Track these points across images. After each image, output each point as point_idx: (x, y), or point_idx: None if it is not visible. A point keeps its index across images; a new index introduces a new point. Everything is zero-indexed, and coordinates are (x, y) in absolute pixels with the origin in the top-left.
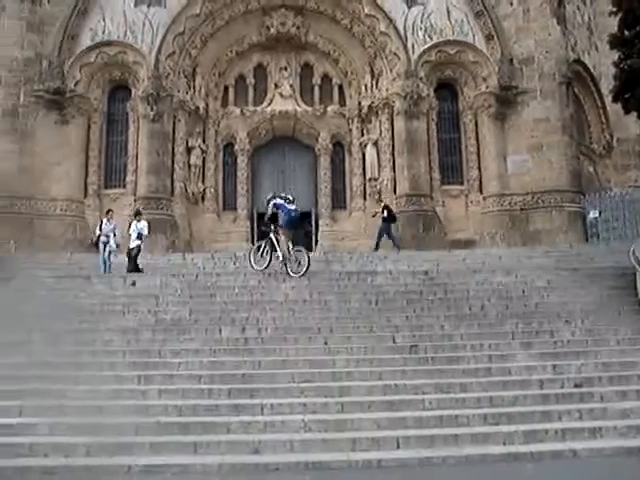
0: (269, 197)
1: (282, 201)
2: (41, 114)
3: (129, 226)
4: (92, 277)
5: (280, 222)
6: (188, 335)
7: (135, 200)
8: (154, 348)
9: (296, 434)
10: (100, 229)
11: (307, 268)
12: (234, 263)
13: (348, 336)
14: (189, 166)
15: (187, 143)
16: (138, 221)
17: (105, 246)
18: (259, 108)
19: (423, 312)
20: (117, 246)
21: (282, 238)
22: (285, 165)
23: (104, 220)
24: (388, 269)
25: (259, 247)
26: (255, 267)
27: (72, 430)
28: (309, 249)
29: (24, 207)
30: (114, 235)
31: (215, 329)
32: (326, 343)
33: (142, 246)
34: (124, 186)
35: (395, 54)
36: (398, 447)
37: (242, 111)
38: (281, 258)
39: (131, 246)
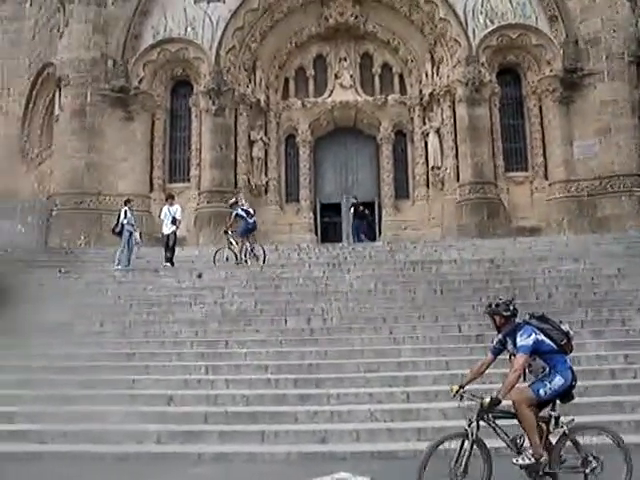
0: (232, 202)
1: (243, 213)
2: (107, 112)
3: (160, 211)
4: (159, 270)
5: (238, 229)
6: (254, 326)
7: (199, 194)
8: (221, 339)
9: (362, 424)
10: (125, 217)
11: (265, 257)
12: (298, 254)
13: (413, 325)
14: (252, 159)
15: (249, 136)
16: (171, 205)
17: (130, 236)
18: (320, 99)
19: (489, 301)
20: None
21: (235, 241)
22: (347, 155)
23: (125, 209)
24: (453, 258)
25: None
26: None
27: (143, 418)
28: (372, 239)
29: (93, 203)
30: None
31: (281, 320)
32: (391, 333)
33: (177, 232)
34: (188, 180)
35: (455, 40)
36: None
37: (303, 103)
38: (238, 255)
39: (165, 232)
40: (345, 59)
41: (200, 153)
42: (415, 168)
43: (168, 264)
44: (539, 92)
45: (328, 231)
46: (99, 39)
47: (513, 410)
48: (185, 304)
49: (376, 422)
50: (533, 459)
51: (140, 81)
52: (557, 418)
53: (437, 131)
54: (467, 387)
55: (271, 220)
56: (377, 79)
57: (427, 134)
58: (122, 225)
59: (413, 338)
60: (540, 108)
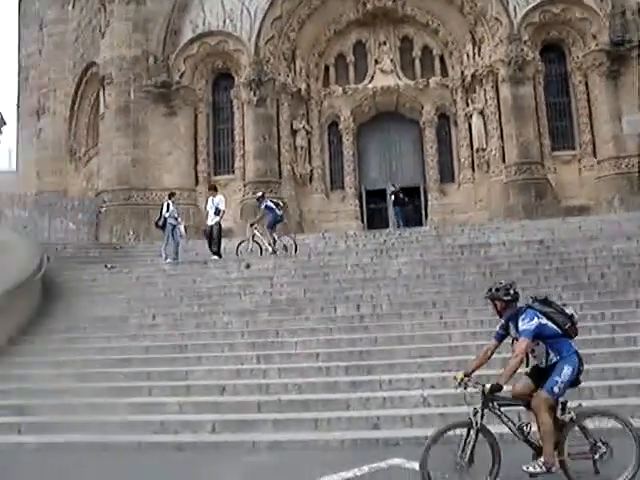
0: (259, 195)
1: (272, 205)
2: (150, 108)
3: (206, 202)
4: (208, 262)
5: (267, 221)
6: (304, 314)
7: (244, 185)
8: (271, 328)
9: (415, 409)
10: (167, 210)
11: (295, 248)
12: (345, 242)
13: (464, 309)
14: (295, 148)
15: (292, 125)
16: (214, 196)
17: (173, 229)
18: (361, 85)
19: (540, 282)
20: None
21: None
22: (390, 140)
23: (168, 202)
24: (501, 240)
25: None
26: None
27: (199, 408)
28: (419, 224)
29: (140, 198)
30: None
31: (330, 307)
32: (442, 317)
33: (221, 222)
34: (233, 172)
35: (496, 19)
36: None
37: (344, 90)
38: (263, 246)
39: (209, 223)
40: (385, 44)
41: (244, 144)
42: (459, 151)
43: (215, 257)
44: (585, 67)
45: (374, 218)
46: (139, 36)
47: (516, 397)
48: (235, 295)
49: (429, 407)
50: (544, 468)
51: (181, 76)
52: (564, 404)
53: (481, 112)
54: (473, 375)
55: (317, 208)
56: (418, 62)
57: (470, 116)
58: (165, 218)
59: (464, 322)
60: (586, 84)
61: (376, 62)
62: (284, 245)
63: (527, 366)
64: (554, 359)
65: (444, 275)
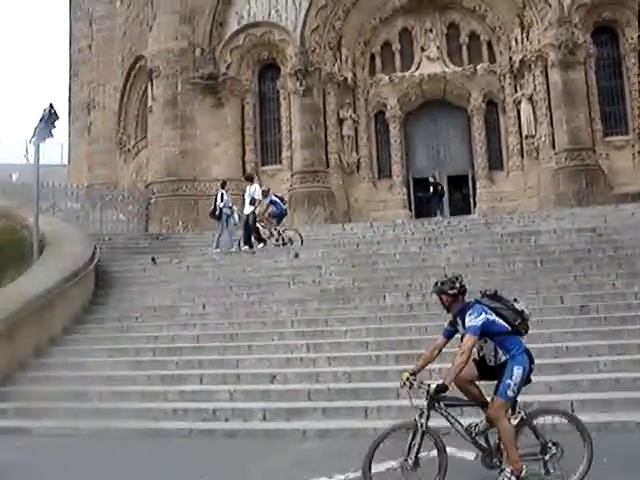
0: (264, 189)
1: (277, 199)
2: (198, 100)
3: (244, 192)
4: (257, 252)
5: (272, 213)
6: (353, 303)
7: (292, 175)
8: (321, 317)
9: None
10: (222, 200)
11: (301, 240)
12: (393, 230)
13: (514, 298)
14: (342, 137)
15: (338, 114)
16: (251, 185)
17: (228, 219)
18: (407, 73)
19: (592, 271)
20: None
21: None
22: (437, 128)
23: (222, 192)
24: (552, 228)
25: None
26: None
27: (249, 396)
28: (467, 212)
29: (189, 189)
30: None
31: (379, 296)
32: None
33: (256, 212)
34: (280, 162)
35: (546, 1)
36: (572, 411)
37: (390, 78)
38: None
39: (245, 212)
40: (431, 30)
41: (290, 134)
42: (508, 138)
43: (250, 247)
44: (639, 49)
45: (422, 206)
46: (186, 29)
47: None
48: (284, 284)
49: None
50: (514, 476)
51: (228, 67)
52: (514, 403)
53: (530, 98)
54: (419, 374)
55: (364, 197)
56: (465, 49)
57: (519, 102)
58: (220, 208)
59: None
60: None
61: (422, 49)
62: (289, 238)
63: (478, 355)
64: (503, 357)
65: (493, 264)
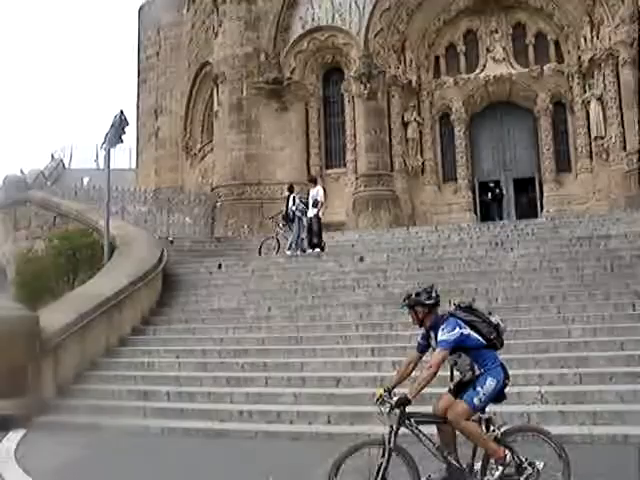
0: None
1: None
2: (262, 104)
3: (307, 195)
4: (322, 255)
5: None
6: None
7: (357, 178)
8: (385, 321)
9: (533, 405)
10: (294, 203)
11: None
12: (458, 235)
13: (583, 304)
14: (406, 140)
15: (403, 118)
16: (313, 188)
17: (300, 221)
18: (472, 75)
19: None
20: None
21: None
22: (503, 131)
23: (293, 195)
24: (623, 232)
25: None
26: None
27: (314, 399)
28: (533, 215)
29: (254, 192)
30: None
31: (444, 301)
32: (560, 312)
33: (320, 214)
34: (344, 165)
35: None
36: None
37: (455, 80)
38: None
39: (309, 215)
40: (496, 31)
41: (355, 138)
42: (577, 139)
43: (314, 250)
44: None
45: (488, 210)
46: (251, 35)
47: (439, 415)
48: (349, 288)
49: (547, 405)
50: (500, 465)
51: (292, 71)
52: (488, 420)
53: (599, 98)
54: (395, 390)
55: (429, 201)
56: (531, 49)
57: (588, 102)
58: (292, 212)
59: (583, 317)
60: None
61: (488, 50)
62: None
63: (451, 380)
64: (478, 372)
65: (562, 268)
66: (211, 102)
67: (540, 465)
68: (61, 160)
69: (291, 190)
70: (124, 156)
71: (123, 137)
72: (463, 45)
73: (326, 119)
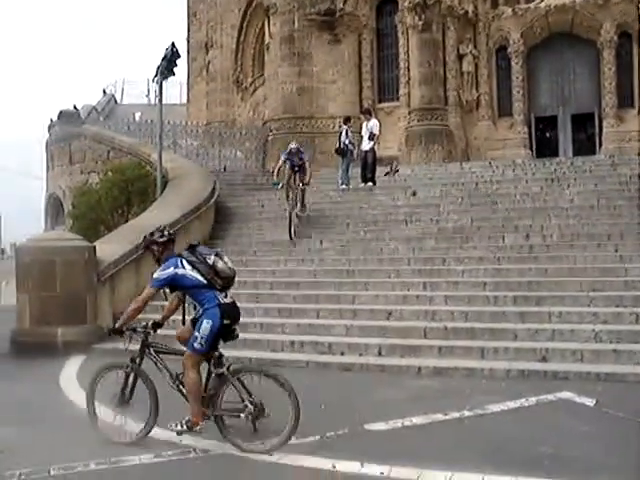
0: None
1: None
2: (315, 36)
3: (360, 127)
4: (374, 189)
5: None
6: (471, 243)
7: (409, 112)
8: (438, 256)
9: (586, 344)
10: (346, 136)
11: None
12: (513, 170)
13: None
14: (461, 74)
15: (458, 50)
16: (368, 120)
17: (351, 155)
18: (532, 5)
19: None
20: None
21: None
22: (563, 64)
23: (345, 128)
24: None
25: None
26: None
27: (365, 332)
28: (591, 153)
29: (305, 126)
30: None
31: (498, 237)
32: (617, 250)
33: (375, 148)
34: (397, 99)
35: None
36: None
37: (514, 10)
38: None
39: (363, 148)
40: None
41: (408, 71)
42: None
43: (367, 184)
44: None
45: (543, 146)
46: None
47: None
48: (401, 222)
49: (601, 343)
50: (186, 427)
51: (345, 2)
52: (219, 358)
53: None
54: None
55: (483, 136)
56: None
57: None
58: (344, 144)
59: None
60: None
61: None
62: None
63: (188, 315)
64: (200, 310)
65: (620, 206)
66: (262, 35)
67: (259, 402)
68: (113, 95)
69: (347, 122)
70: (175, 91)
71: (175, 69)
72: None
73: (379, 52)
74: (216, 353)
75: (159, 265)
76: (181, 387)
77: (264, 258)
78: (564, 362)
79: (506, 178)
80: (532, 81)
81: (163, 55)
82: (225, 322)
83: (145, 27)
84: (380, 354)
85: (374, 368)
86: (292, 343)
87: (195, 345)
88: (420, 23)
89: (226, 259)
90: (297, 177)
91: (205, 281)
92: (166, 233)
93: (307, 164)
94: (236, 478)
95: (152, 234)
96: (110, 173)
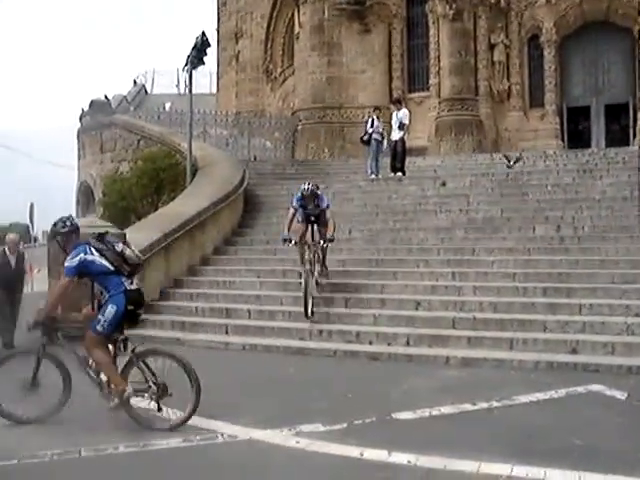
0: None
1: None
2: (344, 26)
3: (390, 117)
4: (403, 179)
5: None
6: (501, 234)
7: (440, 102)
8: (467, 246)
9: (618, 336)
10: (372, 125)
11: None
12: (544, 161)
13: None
14: (492, 63)
15: (489, 40)
16: (398, 110)
17: (378, 145)
18: None
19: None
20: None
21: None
22: (597, 53)
23: (373, 117)
24: None
25: None
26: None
27: (393, 321)
28: (625, 144)
29: (335, 116)
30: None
31: (528, 227)
32: None
33: (405, 137)
34: (427, 89)
35: None
36: None
37: None
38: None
39: (393, 138)
40: None
41: (439, 61)
42: None
43: (396, 174)
44: None
45: (575, 137)
46: None
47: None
48: (430, 212)
49: (633, 336)
50: (118, 398)
51: None
52: (125, 341)
53: None
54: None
55: (514, 127)
56: None
57: None
58: (369, 134)
59: None
60: None
61: None
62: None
63: (93, 308)
64: (106, 296)
65: None
66: (292, 24)
67: (162, 383)
68: (143, 85)
69: (375, 112)
70: (205, 80)
71: (205, 59)
72: None
73: (409, 41)
74: (121, 336)
75: (66, 253)
76: (89, 370)
77: (293, 247)
78: (595, 355)
79: (537, 169)
80: (564, 71)
81: (193, 44)
82: (129, 308)
83: (175, 18)
84: (408, 344)
85: (402, 358)
86: (320, 332)
87: (97, 327)
88: (451, 12)
89: (133, 247)
90: (314, 231)
91: (112, 267)
92: (68, 223)
93: (328, 212)
94: (264, 463)
95: (55, 225)
96: (140, 162)
